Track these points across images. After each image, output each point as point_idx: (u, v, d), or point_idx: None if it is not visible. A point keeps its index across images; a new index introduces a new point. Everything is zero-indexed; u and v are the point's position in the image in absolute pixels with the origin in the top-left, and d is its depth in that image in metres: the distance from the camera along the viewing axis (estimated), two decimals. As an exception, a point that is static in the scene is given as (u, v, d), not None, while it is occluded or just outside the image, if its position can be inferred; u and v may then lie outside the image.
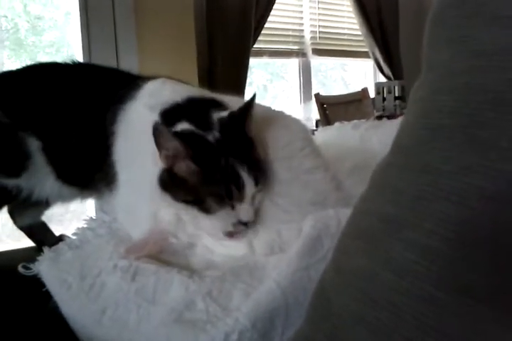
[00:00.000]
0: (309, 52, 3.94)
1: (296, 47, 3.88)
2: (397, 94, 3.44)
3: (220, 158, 0.72)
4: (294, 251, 0.65)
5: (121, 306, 0.72)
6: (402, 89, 3.45)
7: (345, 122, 1.30)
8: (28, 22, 2.85)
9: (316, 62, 4.05)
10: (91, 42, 2.55)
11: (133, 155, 0.83)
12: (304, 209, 0.77)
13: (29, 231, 1.13)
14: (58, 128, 0.96)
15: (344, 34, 4.12)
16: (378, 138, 1.15)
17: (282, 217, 0.76)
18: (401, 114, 3.00)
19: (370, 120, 1.32)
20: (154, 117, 0.79)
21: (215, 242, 0.77)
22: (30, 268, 0.87)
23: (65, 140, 0.95)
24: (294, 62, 3.94)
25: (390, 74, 4.18)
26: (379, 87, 3.54)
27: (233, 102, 0.82)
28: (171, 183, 0.74)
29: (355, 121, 1.29)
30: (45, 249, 0.88)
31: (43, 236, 1.14)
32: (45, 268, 0.84)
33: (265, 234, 0.75)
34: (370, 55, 4.14)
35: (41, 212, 1.14)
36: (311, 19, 3.93)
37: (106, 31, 2.58)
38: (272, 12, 3.57)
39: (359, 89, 2.99)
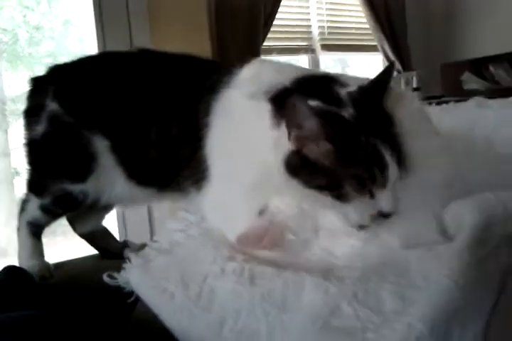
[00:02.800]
0: (318, 48, 3.87)
1: (304, 43, 3.81)
2: (415, 85, 3.36)
3: (359, 137, 0.62)
4: (463, 243, 0.56)
5: (243, 315, 0.63)
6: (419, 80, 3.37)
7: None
8: (28, 32, 2.76)
9: (326, 58, 3.98)
10: (105, 37, 2.46)
11: (231, 147, 0.74)
12: (436, 193, 0.68)
13: (91, 238, 1.04)
14: (133, 125, 0.86)
15: (352, 28, 4.06)
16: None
17: (417, 201, 0.67)
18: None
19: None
20: (257, 105, 0.71)
21: (336, 242, 0.67)
22: (116, 278, 0.77)
23: (141, 137, 0.85)
24: (303, 59, 3.87)
25: (399, 67, 4.11)
26: (396, 79, 3.47)
27: (349, 79, 0.73)
28: (301, 167, 0.64)
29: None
30: (131, 256, 0.78)
31: (106, 243, 1.05)
32: (135, 276, 0.75)
33: (399, 223, 0.66)
34: (379, 48, 4.07)
35: (102, 217, 1.05)
36: (318, 14, 3.86)
37: (120, 33, 2.49)
38: (280, 9, 3.50)
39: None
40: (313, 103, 0.65)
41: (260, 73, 0.77)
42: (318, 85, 0.70)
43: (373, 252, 0.65)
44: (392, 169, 0.62)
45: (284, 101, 0.62)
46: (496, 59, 3.46)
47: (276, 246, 0.69)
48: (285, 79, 0.72)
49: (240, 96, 0.74)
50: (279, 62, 0.85)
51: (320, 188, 0.64)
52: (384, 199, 0.63)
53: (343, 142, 0.62)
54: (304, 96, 0.63)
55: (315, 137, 0.63)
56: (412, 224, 0.66)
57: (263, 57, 3.41)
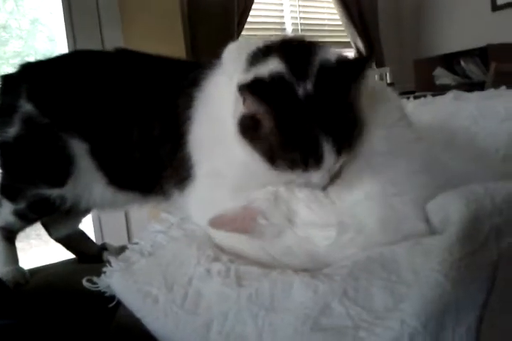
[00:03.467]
0: (292, 45, 3.86)
1: (278, 40, 3.80)
2: (388, 81, 3.39)
3: (304, 126, 0.62)
4: (452, 237, 0.55)
5: (231, 317, 0.61)
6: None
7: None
8: (-6, 31, 2.68)
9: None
10: (76, 36, 2.40)
11: (214, 140, 0.72)
12: (412, 181, 0.68)
13: (67, 242, 1.00)
14: (111, 126, 0.82)
15: (325, 25, 4.07)
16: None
17: (391, 189, 0.67)
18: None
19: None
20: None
21: (311, 230, 0.66)
22: (96, 283, 0.75)
23: (121, 139, 0.82)
24: (277, 56, 3.87)
25: (372, 63, 4.15)
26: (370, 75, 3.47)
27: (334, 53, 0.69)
28: (251, 131, 0.65)
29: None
30: (112, 259, 0.76)
31: (83, 247, 1.01)
32: (117, 280, 0.72)
33: (377, 210, 0.65)
34: (352, 44, 4.09)
35: (79, 221, 1.01)
36: (291, 11, 3.86)
37: (91, 32, 2.43)
38: (253, 6, 3.49)
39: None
40: (272, 64, 0.65)
41: (247, 43, 0.74)
42: (297, 48, 0.68)
43: (347, 241, 0.65)
44: (329, 159, 0.64)
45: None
46: (467, 54, 3.51)
47: (248, 231, 0.68)
48: (271, 42, 0.70)
49: (221, 81, 0.72)
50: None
51: (259, 155, 0.65)
52: (315, 177, 0.67)
53: (286, 128, 0.63)
54: (258, 83, 0.63)
55: (263, 116, 0.63)
56: (390, 212, 0.65)
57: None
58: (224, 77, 0.71)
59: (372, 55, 0.73)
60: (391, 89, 0.77)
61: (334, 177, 0.69)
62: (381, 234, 0.65)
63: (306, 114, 0.62)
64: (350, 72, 0.64)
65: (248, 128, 0.65)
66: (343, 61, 0.66)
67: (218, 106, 0.70)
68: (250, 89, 0.61)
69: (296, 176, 0.67)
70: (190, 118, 0.74)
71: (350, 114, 0.65)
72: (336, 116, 0.63)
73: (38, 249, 2.31)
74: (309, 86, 0.63)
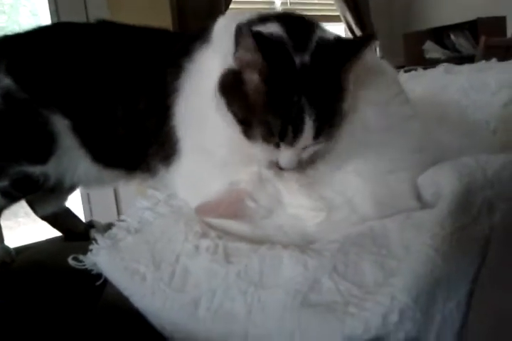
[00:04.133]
0: (280, 19, 3.80)
1: (267, 14, 3.73)
2: (378, 55, 3.35)
3: (293, 94, 0.60)
4: (444, 211, 0.54)
5: (219, 294, 0.60)
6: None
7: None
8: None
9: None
10: (59, 9, 2.33)
11: (203, 113, 0.69)
12: (408, 158, 0.67)
13: (53, 220, 0.98)
14: (94, 100, 0.79)
15: (314, -2, 4.00)
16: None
17: (387, 166, 0.66)
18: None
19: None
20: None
21: (301, 209, 0.65)
22: (82, 261, 0.73)
23: (104, 113, 0.79)
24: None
25: (362, 37, 4.10)
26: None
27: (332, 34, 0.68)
28: (232, 87, 0.63)
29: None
30: (98, 237, 0.74)
31: (69, 224, 0.99)
32: (104, 258, 0.71)
33: (368, 187, 0.64)
34: (342, 18, 4.03)
35: (65, 198, 0.99)
36: (280, -16, 3.78)
37: (75, 6, 2.36)
38: (241, -22, 3.41)
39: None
40: (272, 27, 0.63)
41: (231, 22, 0.71)
42: (297, 21, 0.66)
43: (338, 220, 0.64)
44: (307, 135, 0.62)
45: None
46: (457, 27, 3.47)
47: (236, 215, 0.67)
48: (271, 15, 0.68)
49: (213, 57, 0.69)
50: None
51: (235, 116, 0.63)
52: (283, 156, 0.64)
53: (276, 90, 0.60)
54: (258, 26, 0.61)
55: (254, 68, 0.61)
56: (385, 189, 0.65)
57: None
58: (216, 54, 0.69)
59: (373, 36, 0.72)
60: (387, 62, 0.75)
61: (306, 164, 0.68)
62: (375, 212, 0.65)
63: (298, 82, 0.60)
64: (347, 51, 0.63)
65: (230, 85, 0.63)
66: (341, 40, 0.66)
67: (208, 81, 0.67)
68: (251, 33, 0.59)
69: (264, 152, 0.65)
70: (178, 90, 0.71)
71: (340, 95, 0.64)
72: (325, 95, 0.62)
73: (26, 227, 2.30)
74: (306, 58, 0.61)
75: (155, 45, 0.79)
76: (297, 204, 0.66)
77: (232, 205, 0.67)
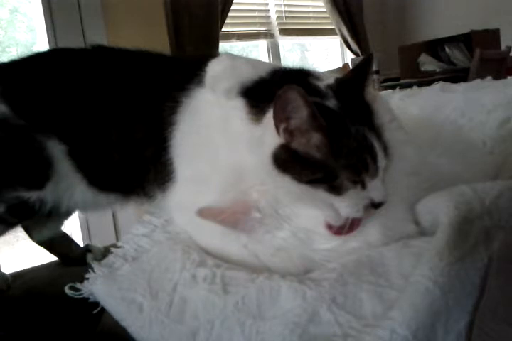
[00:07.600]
0: (277, 33, 3.83)
1: (263, 28, 3.76)
2: (374, 68, 3.37)
3: (349, 127, 0.60)
4: (442, 241, 0.53)
5: (217, 326, 0.60)
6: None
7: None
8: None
9: (285, 42, 3.95)
10: (55, 25, 2.34)
11: (199, 148, 0.70)
12: (402, 182, 0.67)
13: (50, 245, 0.98)
14: (91, 127, 0.80)
15: (310, 12, 4.03)
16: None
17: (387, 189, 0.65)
18: (379, 88, 2.94)
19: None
20: (229, 103, 0.67)
21: (314, 236, 0.65)
22: (79, 289, 0.73)
23: (98, 139, 0.79)
24: (262, 44, 3.83)
25: (357, 50, 4.13)
26: (355, 63, 3.46)
27: (322, 74, 0.70)
28: (291, 162, 0.60)
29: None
30: (95, 265, 0.74)
31: (66, 249, 0.99)
32: (100, 287, 0.71)
33: (376, 217, 0.64)
34: (337, 32, 4.07)
35: (61, 223, 0.99)
36: (276, -2, 3.81)
37: (71, 21, 2.37)
38: (237, -7, 3.43)
39: (339, 66, 2.90)
40: None
41: (233, 68, 0.72)
42: (295, 78, 0.67)
43: (350, 249, 0.63)
44: (381, 156, 0.61)
45: (274, 92, 0.58)
46: (452, 40, 3.50)
47: (237, 225, 0.66)
48: (261, 72, 0.69)
49: (211, 95, 0.70)
50: (247, 57, 0.81)
51: (314, 181, 0.60)
52: (375, 189, 0.61)
53: (335, 133, 0.59)
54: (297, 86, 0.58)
55: (306, 128, 0.59)
56: (388, 215, 0.64)
57: (222, 43, 3.35)
58: (212, 91, 0.71)
59: (371, 58, 0.72)
60: (378, 91, 0.76)
61: None
62: (382, 238, 0.64)
63: (346, 119, 0.61)
64: (357, 83, 0.66)
65: (288, 160, 0.61)
66: (345, 79, 0.68)
67: (205, 116, 0.68)
68: (297, 89, 0.57)
69: (353, 200, 0.61)
70: (175, 124, 0.72)
71: (370, 110, 0.66)
72: (367, 116, 0.64)
73: (25, 242, 2.28)
74: (334, 101, 0.63)
75: (151, 73, 0.80)
76: (311, 230, 0.65)
77: (236, 215, 0.66)
